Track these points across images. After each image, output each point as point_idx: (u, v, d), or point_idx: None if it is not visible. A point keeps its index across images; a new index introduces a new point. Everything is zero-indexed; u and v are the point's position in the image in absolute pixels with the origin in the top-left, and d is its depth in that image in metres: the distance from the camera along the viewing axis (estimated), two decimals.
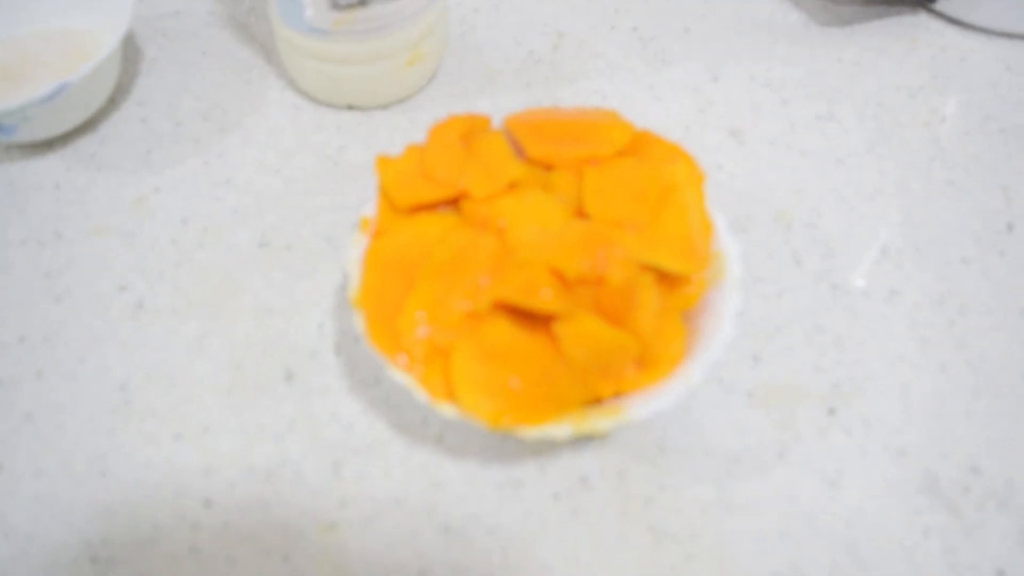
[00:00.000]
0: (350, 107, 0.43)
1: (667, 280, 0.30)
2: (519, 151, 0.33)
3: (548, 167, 0.32)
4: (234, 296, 0.37)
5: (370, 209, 0.32)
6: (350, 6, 0.38)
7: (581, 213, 0.31)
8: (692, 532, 0.31)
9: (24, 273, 0.38)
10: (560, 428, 0.28)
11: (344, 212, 0.39)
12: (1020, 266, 0.38)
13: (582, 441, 0.33)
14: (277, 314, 0.36)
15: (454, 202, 0.31)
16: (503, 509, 0.31)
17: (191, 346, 0.35)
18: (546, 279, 0.28)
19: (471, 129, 0.33)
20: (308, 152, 0.42)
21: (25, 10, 0.43)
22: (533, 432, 0.27)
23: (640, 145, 0.33)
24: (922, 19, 0.49)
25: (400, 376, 0.28)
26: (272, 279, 0.37)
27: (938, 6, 0.49)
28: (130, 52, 0.46)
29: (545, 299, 0.28)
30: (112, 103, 0.44)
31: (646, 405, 0.28)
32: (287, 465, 0.32)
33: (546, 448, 0.33)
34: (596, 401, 0.29)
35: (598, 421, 0.28)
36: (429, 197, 0.31)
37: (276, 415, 0.33)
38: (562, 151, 0.32)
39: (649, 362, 0.29)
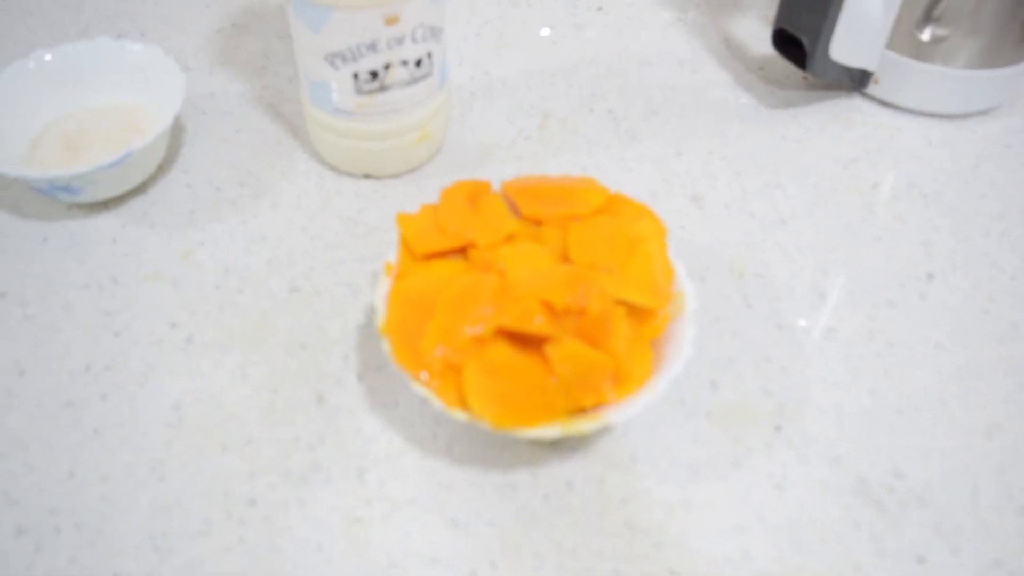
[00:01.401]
0: (367, 176, 0.50)
1: (636, 313, 0.37)
2: (515, 210, 0.40)
3: (538, 223, 0.39)
4: (270, 333, 0.43)
5: (392, 256, 0.39)
6: (372, 92, 0.45)
7: (566, 258, 0.37)
8: (660, 526, 0.37)
9: (86, 312, 0.44)
10: (550, 430, 0.34)
11: (362, 264, 0.46)
12: (938, 308, 0.46)
13: (568, 447, 0.39)
14: (308, 347, 0.43)
15: (462, 250, 0.38)
16: (501, 507, 0.37)
17: (234, 374, 0.41)
18: (538, 310, 0.35)
19: (475, 192, 0.40)
20: (331, 214, 0.49)
21: (86, 87, 0.51)
22: (528, 433, 0.34)
23: (613, 205, 0.40)
24: (855, 101, 0.57)
25: (421, 389, 0.35)
26: (302, 319, 0.44)
27: (869, 90, 0.57)
28: (174, 127, 0.53)
29: (537, 325, 0.34)
30: (161, 170, 0.51)
31: (620, 412, 0.35)
32: (319, 471, 0.38)
33: (538, 455, 0.39)
34: (580, 410, 0.35)
35: (581, 424, 0.34)
36: (442, 246, 0.38)
37: (308, 431, 0.40)
38: (549, 210, 0.39)
39: (622, 379, 0.35)
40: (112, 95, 0.51)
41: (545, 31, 0.62)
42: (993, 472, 0.40)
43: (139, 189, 0.50)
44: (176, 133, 0.53)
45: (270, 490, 0.38)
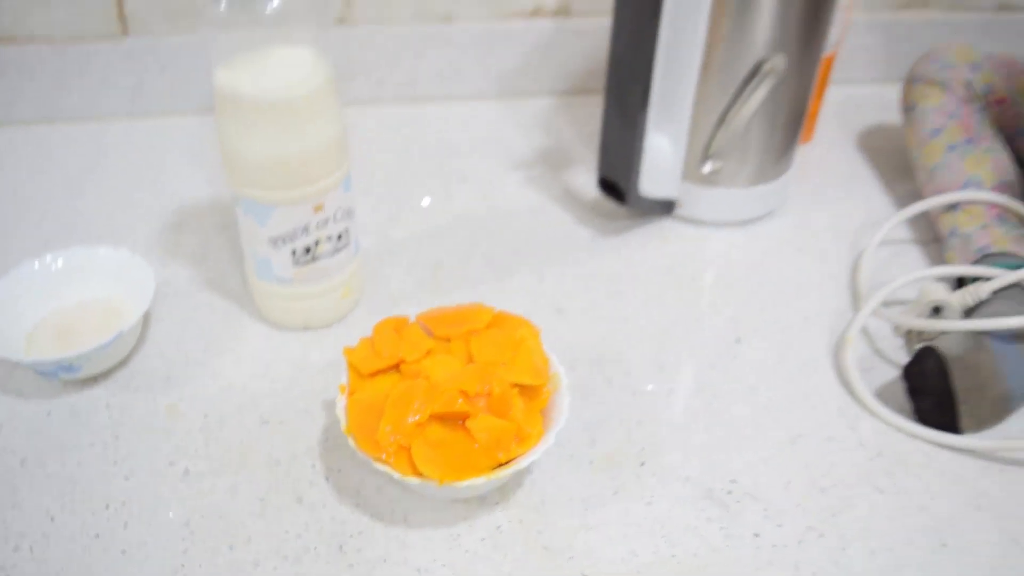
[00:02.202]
0: (306, 328, 0.64)
1: (527, 391, 0.51)
2: (429, 332, 0.54)
3: (447, 339, 0.54)
4: (251, 456, 0.55)
5: (342, 380, 0.53)
6: (306, 263, 0.59)
7: (471, 360, 0.52)
8: (569, 545, 0.51)
9: (97, 464, 0.55)
10: (479, 480, 0.48)
11: (314, 396, 0.59)
12: (746, 362, 0.62)
13: (492, 500, 0.52)
14: (282, 463, 0.55)
15: (396, 367, 0.52)
16: (450, 552, 0.50)
17: (228, 491, 0.53)
18: (458, 397, 0.49)
19: (398, 324, 0.55)
20: (283, 361, 0.62)
21: (69, 287, 0.63)
22: (464, 485, 0.47)
23: (499, 320, 0.55)
24: (668, 223, 0.75)
25: (382, 467, 0.48)
26: (274, 443, 0.56)
27: (676, 213, 0.75)
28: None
29: (459, 407, 0.48)
30: (136, 347, 0.63)
31: (525, 460, 0.49)
32: (308, 551, 0.50)
33: (472, 510, 0.52)
34: (497, 464, 0.49)
35: (500, 473, 0.48)
36: (380, 366, 0.52)
37: (295, 523, 0.52)
38: (454, 329, 0.54)
39: (523, 438, 0.49)
40: (91, 291, 0.63)
41: (426, 201, 0.78)
42: (800, 468, 0.55)
43: (121, 364, 0.62)
44: (144, 315, 0.65)
45: (273, 571, 0.49)
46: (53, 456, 0.56)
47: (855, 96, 0.96)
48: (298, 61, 0.54)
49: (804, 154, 0.85)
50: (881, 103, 0.91)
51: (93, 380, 0.60)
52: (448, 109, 0.90)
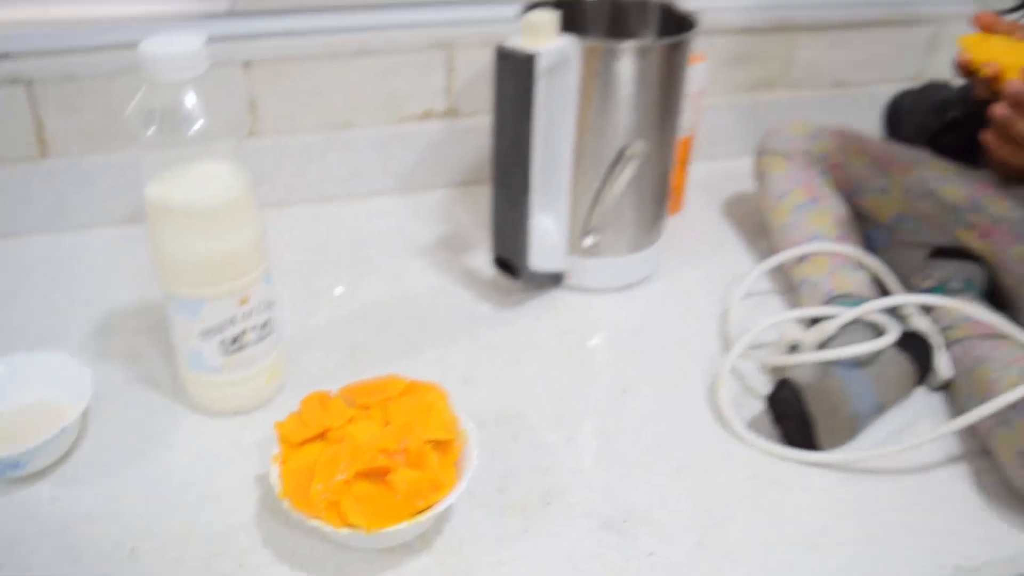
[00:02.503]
0: (236, 413, 0.70)
1: (440, 446, 0.58)
2: (350, 403, 0.61)
3: (367, 407, 0.61)
4: (193, 532, 0.61)
5: (276, 449, 0.59)
6: (233, 352, 0.66)
7: (389, 423, 0.59)
8: None
9: (49, 551, 0.59)
10: (403, 526, 0.54)
11: (248, 469, 0.65)
12: (633, 408, 0.70)
13: (416, 547, 0.59)
14: (221, 534, 0.60)
15: (322, 435, 0.59)
16: None
17: (173, 564, 0.58)
18: (379, 454, 0.56)
19: (322, 398, 0.61)
20: (216, 443, 0.67)
21: (13, 390, 0.68)
22: (390, 531, 0.54)
23: (412, 388, 0.63)
24: (559, 293, 0.84)
25: (316, 522, 0.54)
26: (214, 516, 0.61)
27: (566, 284, 0.84)
28: None
29: (381, 463, 0.55)
30: (77, 441, 0.68)
31: (442, 505, 0.55)
32: None
33: (398, 558, 0.58)
34: (418, 511, 0.56)
35: (421, 519, 0.55)
36: (308, 435, 0.58)
37: None
38: (372, 398, 0.61)
39: (439, 487, 0.56)
40: (33, 393, 0.68)
41: (339, 290, 0.85)
42: (686, 494, 0.63)
43: (64, 458, 0.66)
44: (84, 413, 0.70)
45: None
46: (4, 549, 0.60)
47: (717, 169, 1.08)
48: (219, 173, 0.62)
49: (675, 223, 0.96)
50: (740, 174, 1.03)
51: (38, 475, 0.65)
52: (354, 206, 0.99)
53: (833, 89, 1.14)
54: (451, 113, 0.99)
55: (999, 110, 0.71)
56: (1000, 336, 0.72)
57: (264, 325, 0.67)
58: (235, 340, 0.66)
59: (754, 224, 0.96)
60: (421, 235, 0.94)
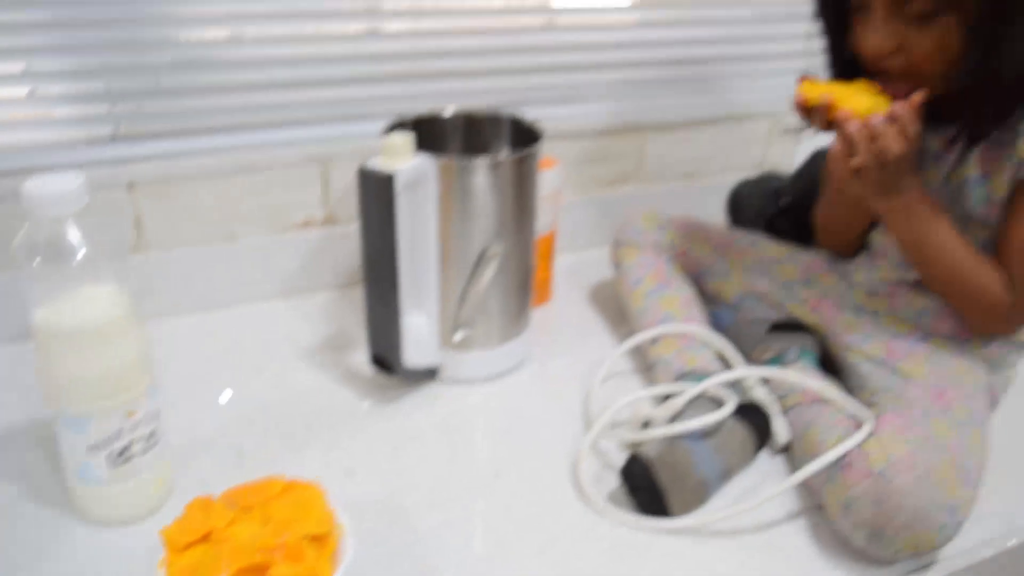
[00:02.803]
0: (125, 522, 0.73)
1: (317, 540, 0.63)
2: (232, 505, 0.66)
3: (248, 508, 0.65)
4: None
5: (162, 555, 0.63)
6: (121, 463, 0.70)
7: (269, 521, 0.64)
8: None
9: None
10: None
11: (138, 573, 0.68)
12: (504, 492, 0.76)
13: None
14: None
15: (206, 537, 0.63)
16: None
17: None
18: (259, 551, 0.60)
19: (206, 503, 0.66)
20: (105, 552, 0.70)
21: None
22: None
23: (290, 487, 0.67)
24: (436, 386, 0.90)
25: None
26: None
27: (441, 377, 0.90)
28: None
29: (260, 560, 0.60)
30: None
31: None
32: None
33: None
34: None
35: None
36: (192, 538, 0.63)
37: None
38: (253, 499, 0.66)
39: None
40: None
41: (226, 395, 0.89)
42: (553, 566, 0.69)
43: None
44: None
45: None
46: None
47: (583, 259, 1.17)
48: (102, 294, 0.66)
49: (544, 312, 1.04)
50: (604, 263, 1.12)
51: None
52: (241, 312, 1.03)
53: (683, 180, 1.25)
54: (330, 221, 1.06)
55: (849, 127, 0.76)
56: (826, 401, 0.81)
57: (150, 436, 0.71)
58: (122, 452, 0.69)
59: (616, 309, 1.05)
60: (305, 337, 0.99)
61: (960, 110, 0.77)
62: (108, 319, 0.66)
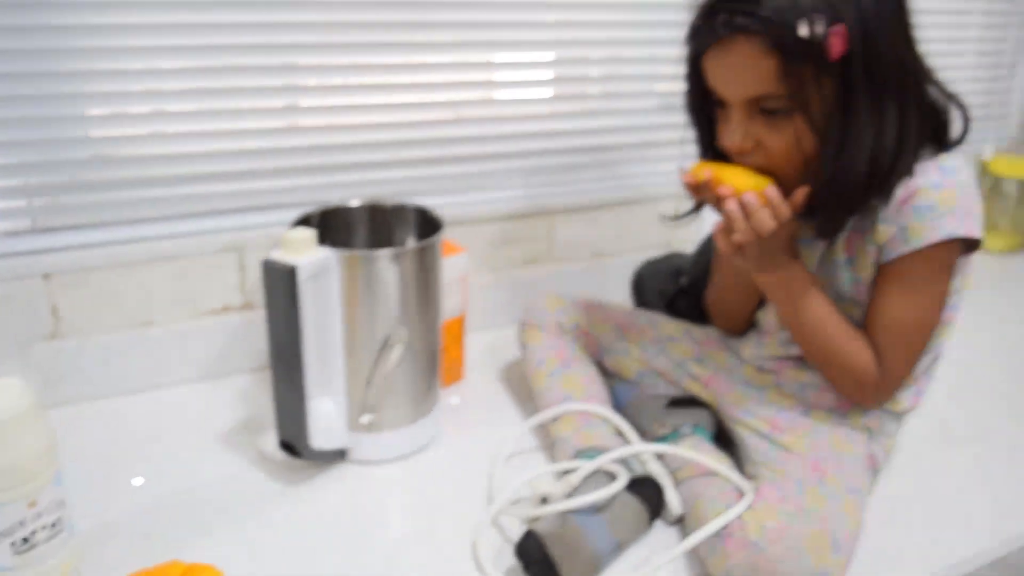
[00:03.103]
0: None
1: None
2: None
3: None
4: None
5: None
6: (25, 551, 0.71)
7: None
8: None
9: None
10: None
11: None
12: (412, 571, 0.79)
13: None
14: None
15: None
16: None
17: None
18: None
19: None
20: None
21: None
22: None
23: (191, 571, 0.70)
24: (344, 467, 0.93)
25: None
26: None
27: (350, 458, 0.93)
28: None
29: None
30: None
31: None
32: None
33: None
34: None
35: None
36: None
37: None
38: None
39: None
40: None
41: (138, 481, 0.91)
42: None
43: None
44: None
45: None
46: None
47: (497, 338, 1.21)
48: (7, 387, 0.69)
49: (456, 392, 1.08)
50: (516, 342, 1.17)
51: None
52: (157, 397, 1.06)
53: (592, 260, 1.31)
54: (247, 306, 1.09)
55: (728, 205, 0.81)
56: (713, 474, 0.86)
57: (55, 524, 0.73)
58: (25, 540, 0.71)
59: (525, 388, 1.09)
60: (220, 421, 1.02)
61: (821, 203, 0.83)
62: (12, 413, 0.69)
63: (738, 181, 0.82)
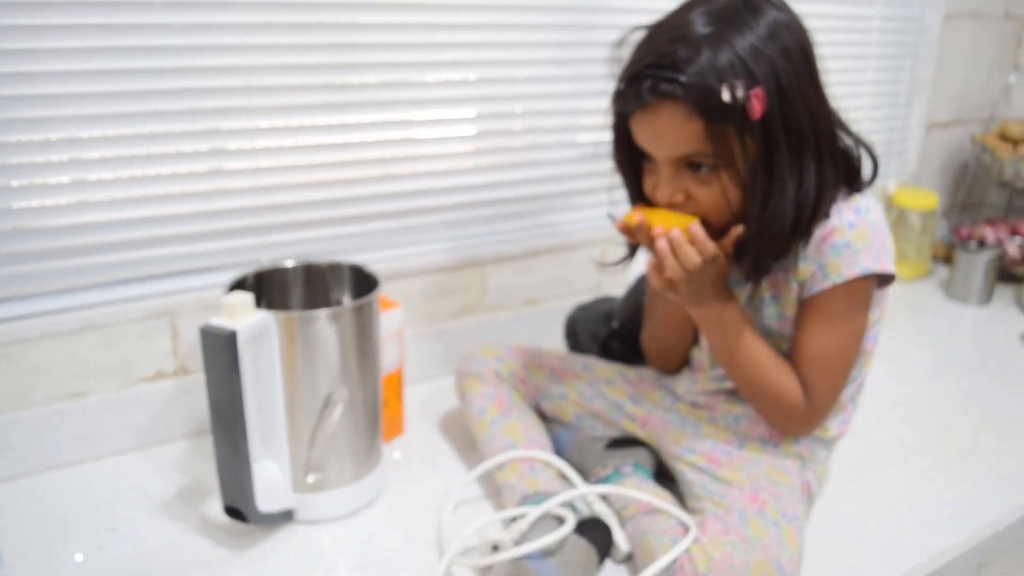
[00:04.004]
0: None
1: None
2: None
3: None
4: None
5: None
6: None
7: None
8: None
9: None
10: None
11: None
12: None
13: None
14: None
15: None
16: None
17: None
18: None
19: None
20: None
21: None
22: None
23: None
24: (292, 527, 0.93)
25: None
26: None
27: (297, 518, 0.92)
28: None
29: None
30: None
31: None
32: None
33: None
34: None
35: None
36: None
37: None
38: None
39: None
40: None
41: (79, 557, 0.89)
42: None
43: None
44: None
45: None
46: None
47: (435, 389, 1.22)
48: None
49: (398, 446, 1.08)
50: (454, 392, 1.18)
51: None
52: (93, 469, 1.03)
53: (524, 308, 1.33)
54: (180, 371, 1.08)
55: (658, 243, 0.84)
56: (657, 510, 0.88)
57: None
58: None
59: (466, 438, 1.10)
60: (160, 489, 1.00)
61: (750, 249, 0.87)
62: None
63: (667, 222, 0.85)
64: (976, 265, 1.67)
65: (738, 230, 0.84)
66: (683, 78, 0.79)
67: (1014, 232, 1.79)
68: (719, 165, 0.83)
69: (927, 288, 1.77)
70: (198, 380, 1.08)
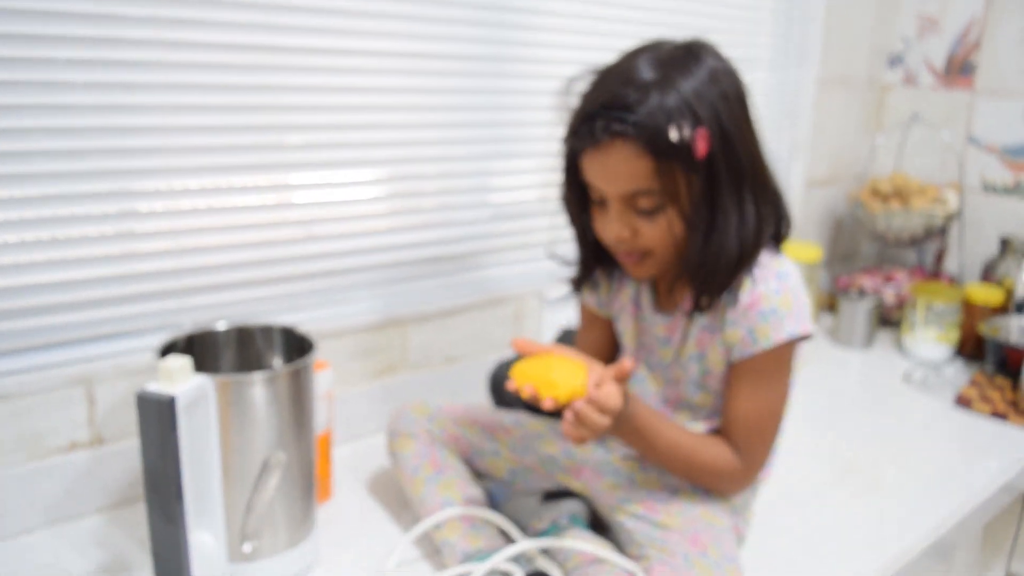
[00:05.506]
0: None
1: None
2: None
3: None
4: None
5: None
6: None
7: None
8: None
9: None
10: None
11: None
12: None
13: None
14: None
15: None
16: None
17: None
18: None
19: None
20: None
21: None
22: None
23: None
24: None
25: None
26: None
27: None
28: None
29: None
30: None
31: None
32: None
33: None
34: None
35: None
36: None
37: None
38: None
39: None
40: None
41: None
42: None
43: None
44: None
45: None
46: None
47: (360, 449, 1.21)
48: None
49: (327, 510, 1.06)
50: (379, 450, 1.17)
51: None
52: (1, 548, 0.97)
53: (447, 365, 1.34)
54: (96, 441, 1.03)
55: (565, 416, 0.83)
56: (601, 560, 0.89)
57: None
58: None
59: (397, 497, 1.09)
60: (77, 567, 0.94)
61: (694, 279, 0.91)
62: None
63: (557, 391, 0.82)
64: (858, 312, 1.78)
65: (631, 362, 0.85)
66: (634, 118, 0.83)
67: (888, 279, 1.92)
68: (666, 201, 0.87)
69: (815, 335, 1.86)
70: (115, 450, 1.03)
